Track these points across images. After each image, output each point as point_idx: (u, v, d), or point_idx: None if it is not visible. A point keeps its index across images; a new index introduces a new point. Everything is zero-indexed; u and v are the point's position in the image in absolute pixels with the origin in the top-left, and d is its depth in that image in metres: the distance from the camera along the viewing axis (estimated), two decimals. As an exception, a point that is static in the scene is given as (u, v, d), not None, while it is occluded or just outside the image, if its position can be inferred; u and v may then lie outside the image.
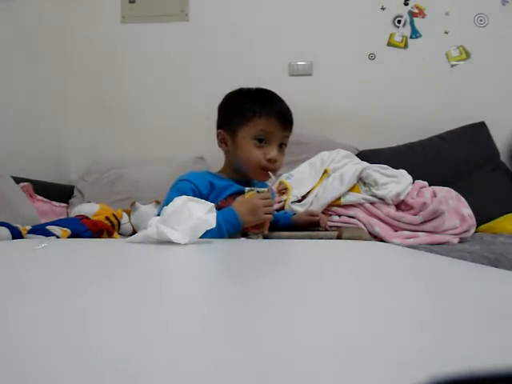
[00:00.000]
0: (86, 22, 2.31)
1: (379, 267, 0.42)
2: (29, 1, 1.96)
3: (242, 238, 0.90)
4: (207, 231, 0.57)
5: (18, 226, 0.87)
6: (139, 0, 2.28)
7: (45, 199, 1.63)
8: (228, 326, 0.19)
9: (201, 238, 0.57)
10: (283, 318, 0.21)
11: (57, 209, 1.67)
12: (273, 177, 0.97)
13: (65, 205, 1.79)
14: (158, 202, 1.51)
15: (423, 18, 2.14)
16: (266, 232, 0.94)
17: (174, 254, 0.49)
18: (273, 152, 0.96)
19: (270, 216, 0.93)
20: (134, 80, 2.28)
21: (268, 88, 1.05)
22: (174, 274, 0.36)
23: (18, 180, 1.49)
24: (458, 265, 0.45)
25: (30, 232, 0.88)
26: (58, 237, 0.87)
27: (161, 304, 0.24)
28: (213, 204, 0.59)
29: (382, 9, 2.15)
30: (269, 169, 0.97)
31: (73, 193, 2.03)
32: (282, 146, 1.00)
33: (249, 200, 0.91)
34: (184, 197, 0.59)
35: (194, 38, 2.25)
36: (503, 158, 1.94)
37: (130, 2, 2.28)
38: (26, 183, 1.54)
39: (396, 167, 1.46)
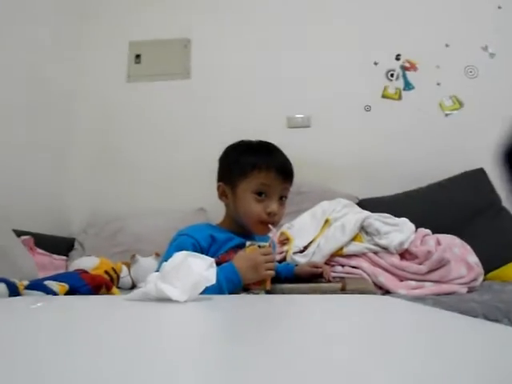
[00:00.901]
0: (93, 80, 2.40)
1: (385, 327, 0.40)
2: (38, 56, 2.05)
3: (243, 294, 0.87)
4: (207, 288, 0.55)
5: (16, 281, 0.85)
6: (144, 60, 2.40)
7: (45, 252, 1.61)
8: None
9: (200, 294, 0.55)
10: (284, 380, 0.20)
11: (56, 262, 1.64)
12: (273, 229, 0.95)
13: (64, 258, 1.77)
14: (158, 255, 1.50)
15: (415, 71, 2.23)
16: (268, 288, 0.91)
17: (173, 313, 0.47)
18: (273, 205, 0.95)
19: (272, 272, 0.90)
20: (136, 134, 2.34)
21: (267, 140, 1.06)
22: (172, 335, 0.35)
23: (19, 233, 1.48)
24: (466, 323, 0.43)
25: (27, 288, 0.85)
26: (55, 293, 0.85)
27: (156, 367, 0.22)
28: (213, 259, 0.58)
29: (375, 64, 2.25)
30: (269, 222, 0.95)
31: (73, 245, 2.01)
32: (282, 198, 0.99)
33: (250, 256, 0.89)
34: (184, 252, 0.58)
35: (196, 95, 2.33)
36: (505, 202, 1.93)
37: (136, 63, 2.40)
38: (27, 237, 1.53)
39: (397, 215, 1.45)
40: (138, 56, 2.40)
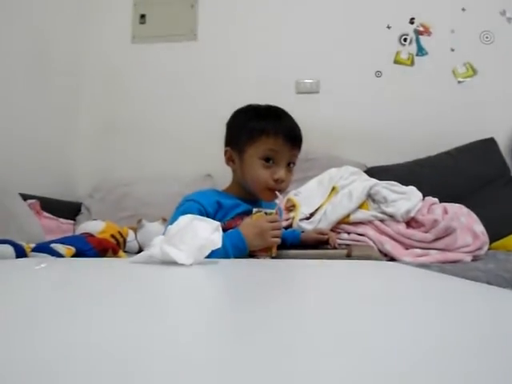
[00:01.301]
0: (96, 42, 2.35)
1: (391, 292, 0.40)
2: (42, 19, 1.99)
3: (249, 259, 0.87)
4: (213, 251, 0.54)
5: (23, 243, 0.85)
6: (149, 21, 2.32)
7: (52, 216, 1.62)
8: (230, 356, 0.18)
9: (206, 258, 0.55)
10: (288, 347, 0.19)
11: (63, 226, 1.65)
12: (280, 196, 0.94)
13: (72, 222, 1.78)
14: (164, 220, 1.50)
15: (429, 35, 2.14)
16: (274, 255, 0.91)
17: (178, 276, 0.47)
18: (280, 172, 0.93)
19: (278, 240, 0.90)
20: (142, 98, 2.30)
21: (275, 105, 1.03)
22: (175, 298, 0.34)
23: (25, 197, 1.48)
24: (471, 287, 0.43)
25: (34, 250, 0.86)
26: (62, 255, 0.85)
27: (157, 330, 0.22)
28: (218, 223, 0.57)
29: (388, 27, 2.16)
30: (276, 189, 0.94)
31: (80, 210, 2.02)
32: (290, 164, 0.97)
33: (256, 223, 0.88)
34: (189, 216, 0.57)
35: (203, 57, 2.27)
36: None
37: (141, 23, 2.32)
38: (33, 200, 1.53)
39: (405, 184, 1.43)
40: (142, 16, 2.32)
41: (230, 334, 0.22)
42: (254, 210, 0.91)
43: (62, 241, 0.90)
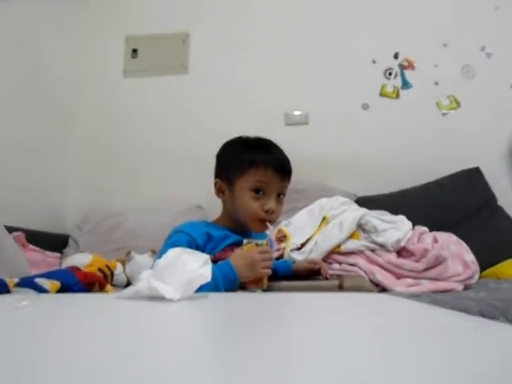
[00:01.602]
0: (89, 75, 2.37)
1: (383, 325, 0.39)
2: (36, 50, 2.02)
3: (240, 292, 0.85)
4: (202, 285, 0.53)
5: (5, 278, 0.82)
6: (141, 55, 2.36)
7: (38, 249, 1.58)
8: None
9: (196, 292, 0.53)
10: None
11: (49, 259, 1.61)
12: (271, 227, 0.94)
13: (58, 255, 1.74)
14: (154, 252, 1.47)
15: (413, 70, 2.21)
16: (265, 287, 0.89)
17: (166, 312, 0.45)
18: (270, 203, 0.93)
19: (269, 271, 0.88)
20: (133, 130, 2.31)
21: (265, 137, 1.04)
22: (163, 336, 0.33)
23: (11, 229, 1.45)
24: (463, 320, 0.42)
25: (17, 285, 0.83)
26: (46, 290, 0.82)
27: (145, 368, 0.20)
28: (208, 256, 0.56)
29: (374, 62, 2.23)
30: (266, 220, 0.93)
31: (67, 242, 1.98)
32: (279, 195, 0.97)
33: (247, 254, 0.87)
34: (178, 249, 0.56)
35: (193, 90, 2.30)
36: (500, 201, 1.93)
37: (133, 58, 2.36)
38: (18, 232, 1.50)
39: (394, 213, 1.44)
40: (134, 51, 2.37)
41: (219, 373, 0.21)
42: (245, 241, 0.90)
43: (47, 275, 0.88)
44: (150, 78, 2.33)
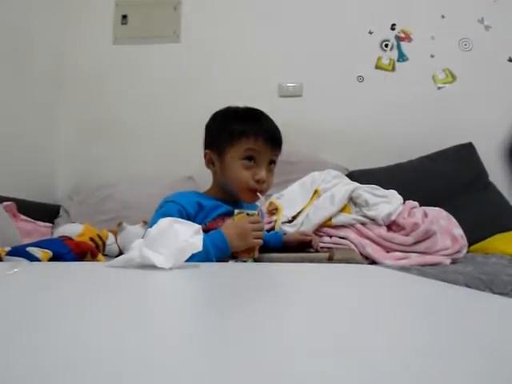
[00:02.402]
0: (78, 43, 2.31)
1: (372, 294, 0.40)
2: (23, 19, 1.95)
3: (231, 261, 0.86)
4: (194, 255, 0.54)
5: (-4, 247, 0.82)
6: (131, 21, 2.29)
7: (29, 219, 1.58)
8: (208, 364, 0.17)
9: (187, 261, 0.54)
10: (270, 353, 0.19)
11: (41, 229, 1.61)
12: (262, 198, 0.94)
13: (50, 225, 1.74)
14: (145, 223, 1.48)
15: (409, 42, 2.18)
16: (257, 256, 0.90)
17: (157, 280, 0.46)
18: (261, 172, 0.93)
19: (260, 241, 0.89)
20: (124, 99, 2.27)
21: (258, 108, 1.03)
22: (154, 304, 0.33)
23: (1, 199, 1.44)
24: (449, 290, 0.43)
25: (8, 254, 0.83)
26: (38, 259, 0.83)
27: (135, 337, 0.21)
28: (199, 226, 0.56)
29: (370, 33, 2.19)
30: (257, 190, 0.93)
31: (59, 212, 1.98)
32: (271, 164, 0.97)
33: (238, 224, 0.88)
34: (169, 218, 0.56)
35: (185, 59, 2.25)
36: (492, 177, 1.95)
37: (122, 24, 2.29)
38: (9, 202, 1.49)
39: (386, 187, 1.45)
40: (124, 17, 2.29)
41: (211, 341, 0.21)
42: (236, 211, 0.90)
43: (39, 244, 0.88)
44: (140, 46, 2.27)
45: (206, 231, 0.84)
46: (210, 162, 0.99)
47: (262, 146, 0.93)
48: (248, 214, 0.89)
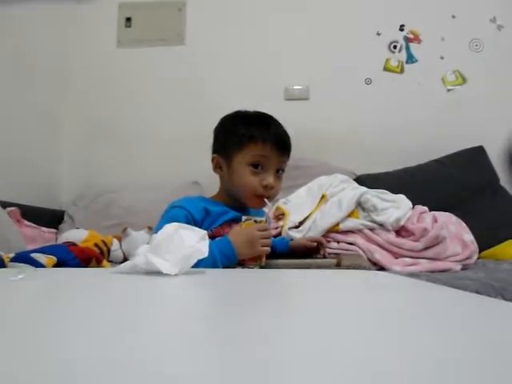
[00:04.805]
0: (82, 46, 2.33)
1: (381, 301, 0.40)
2: (27, 24, 1.98)
3: (238, 268, 0.87)
4: (200, 261, 0.54)
5: (1, 253, 0.83)
6: (135, 24, 2.32)
7: (33, 225, 1.60)
8: (216, 371, 0.17)
9: (194, 267, 0.54)
10: (277, 362, 0.19)
11: (45, 235, 1.63)
12: (269, 204, 0.94)
13: (54, 230, 1.75)
14: (150, 229, 1.48)
15: (419, 43, 2.18)
16: (264, 264, 0.90)
17: (163, 287, 0.46)
18: (269, 178, 0.94)
19: (268, 249, 0.89)
20: (129, 103, 2.29)
21: (264, 111, 1.04)
22: (160, 310, 0.34)
23: (5, 205, 1.46)
24: (460, 296, 0.43)
25: (12, 260, 0.84)
26: (42, 265, 0.84)
27: (143, 342, 0.21)
28: (205, 232, 0.57)
29: (378, 34, 2.19)
30: (265, 196, 0.94)
31: (63, 218, 1.99)
32: (278, 171, 0.98)
33: (246, 231, 0.88)
34: (175, 224, 0.57)
35: (190, 62, 2.27)
36: (503, 182, 1.94)
37: (126, 27, 2.31)
38: (13, 208, 1.51)
39: (394, 192, 1.45)
40: (128, 19, 2.32)
41: (217, 347, 0.22)
42: (244, 217, 0.91)
43: (43, 250, 0.89)
44: (144, 49, 2.29)
45: (212, 238, 0.85)
46: (217, 167, 1.00)
47: (269, 152, 0.94)
48: (256, 221, 0.89)
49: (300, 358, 0.19)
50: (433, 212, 1.38)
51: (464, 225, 1.37)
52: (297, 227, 1.34)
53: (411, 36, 2.19)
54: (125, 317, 0.30)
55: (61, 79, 2.27)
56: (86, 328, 0.25)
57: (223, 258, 0.83)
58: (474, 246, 1.32)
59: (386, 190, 1.44)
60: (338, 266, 0.94)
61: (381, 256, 1.23)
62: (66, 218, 1.99)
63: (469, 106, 2.09)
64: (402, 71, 2.18)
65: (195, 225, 0.81)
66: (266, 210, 0.97)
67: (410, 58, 2.18)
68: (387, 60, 2.18)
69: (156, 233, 0.57)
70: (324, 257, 1.10)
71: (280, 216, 1.40)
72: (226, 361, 0.19)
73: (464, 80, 2.14)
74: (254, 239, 0.87)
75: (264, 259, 0.90)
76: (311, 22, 2.22)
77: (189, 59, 2.27)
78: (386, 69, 2.18)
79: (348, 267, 0.93)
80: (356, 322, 0.29)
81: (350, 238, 1.29)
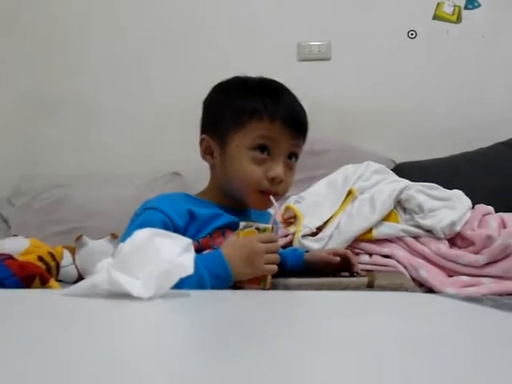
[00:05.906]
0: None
1: (429, 336, 0.40)
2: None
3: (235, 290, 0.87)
4: (182, 280, 0.54)
5: None
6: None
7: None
8: None
9: (173, 288, 0.55)
10: None
11: (-29, 245, 1.63)
12: (276, 204, 0.94)
13: (-17, 239, 1.76)
14: (114, 236, 1.49)
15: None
16: (269, 287, 0.90)
17: (132, 314, 0.46)
18: (277, 168, 0.94)
19: (274, 267, 0.89)
20: (89, 68, 2.29)
21: (271, 77, 1.03)
22: (129, 346, 0.34)
23: None
24: None
25: None
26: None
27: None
28: (190, 240, 0.57)
29: (425, -30, 2.20)
30: (271, 192, 0.94)
31: (-5, 222, 2.01)
32: (291, 158, 0.98)
33: (245, 242, 0.88)
34: (149, 230, 0.57)
35: (173, 11, 2.26)
36: None
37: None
38: None
39: (447, 186, 1.45)
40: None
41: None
42: (242, 223, 0.91)
43: (-31, 266, 0.90)
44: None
45: (199, 251, 0.85)
46: (207, 152, 1.00)
47: (279, 132, 0.94)
48: (258, 229, 0.89)
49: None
50: (500, 214, 1.39)
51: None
52: (314, 235, 1.35)
53: (471, -28, 2.19)
54: (80, 354, 0.30)
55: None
56: (29, 371, 0.25)
57: (213, 280, 0.83)
58: (556, 261, 1.32)
59: (435, 183, 1.45)
60: (370, 286, 0.95)
61: (429, 273, 1.24)
62: (-2, 221, 2.01)
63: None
64: (458, 20, 2.17)
65: (176, 233, 0.81)
66: (272, 211, 0.98)
67: (471, 2, 2.17)
68: (438, 5, 2.18)
69: (123, 242, 0.57)
70: (352, 275, 1.11)
71: (291, 220, 1.41)
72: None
73: (543, 33, 2.14)
74: (255, 254, 0.87)
75: (269, 280, 0.90)
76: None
77: (172, 7, 2.26)
78: (436, 17, 2.18)
79: (384, 288, 0.94)
80: (395, 368, 0.29)
81: (387, 248, 1.30)
